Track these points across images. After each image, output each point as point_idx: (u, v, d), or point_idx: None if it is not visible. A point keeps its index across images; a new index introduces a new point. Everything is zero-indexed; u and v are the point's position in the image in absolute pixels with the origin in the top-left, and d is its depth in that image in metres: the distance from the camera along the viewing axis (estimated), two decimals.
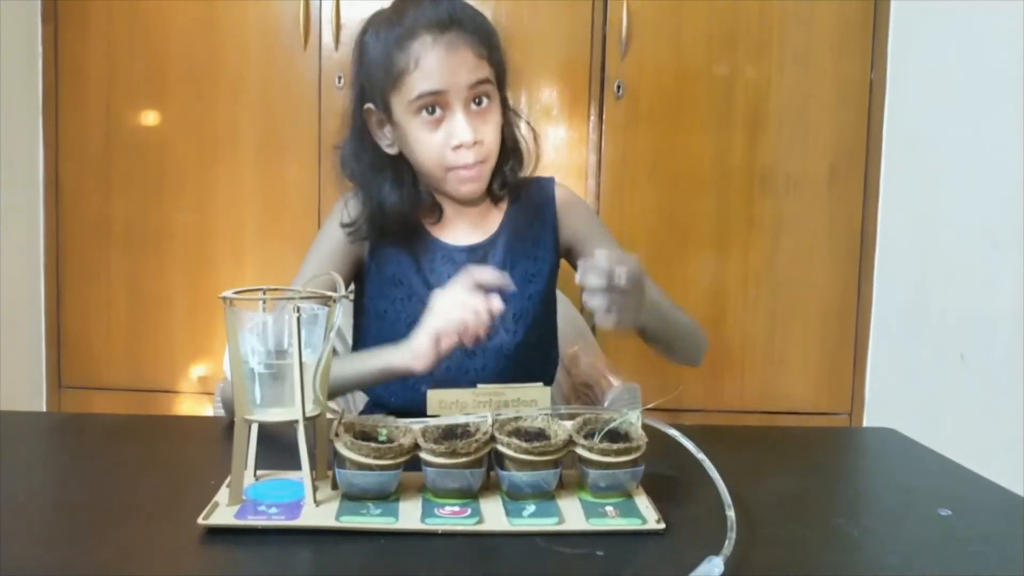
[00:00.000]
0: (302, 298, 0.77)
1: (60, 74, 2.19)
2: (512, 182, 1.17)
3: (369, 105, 1.12)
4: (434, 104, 1.05)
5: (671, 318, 1.17)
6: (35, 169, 2.19)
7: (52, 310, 2.23)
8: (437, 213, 1.16)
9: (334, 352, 1.15)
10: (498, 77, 1.11)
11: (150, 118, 2.20)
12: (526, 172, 1.21)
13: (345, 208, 1.16)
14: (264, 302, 0.79)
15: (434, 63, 1.04)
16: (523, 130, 1.19)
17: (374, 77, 1.09)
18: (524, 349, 1.16)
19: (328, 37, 2.16)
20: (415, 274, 1.14)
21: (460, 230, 1.17)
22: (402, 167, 1.13)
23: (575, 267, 1.22)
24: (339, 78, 2.16)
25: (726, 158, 2.20)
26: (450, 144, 1.06)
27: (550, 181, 1.23)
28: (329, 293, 0.79)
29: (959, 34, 1.93)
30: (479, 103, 1.08)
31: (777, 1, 2.17)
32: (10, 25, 2.09)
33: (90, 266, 2.22)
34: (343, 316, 1.19)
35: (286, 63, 2.17)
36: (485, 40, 1.08)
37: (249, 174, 2.19)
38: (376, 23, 1.10)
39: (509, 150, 1.16)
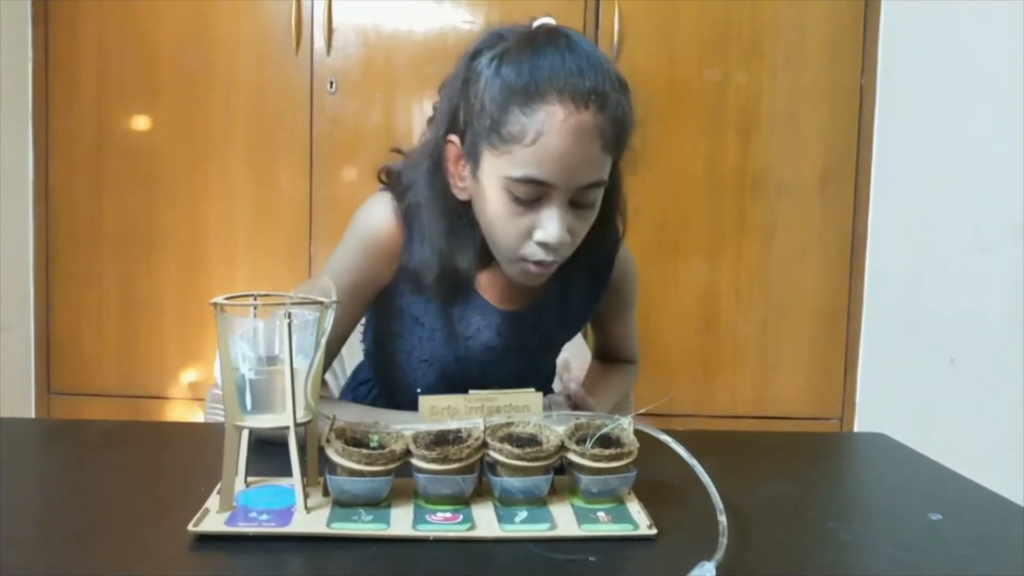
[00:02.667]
0: (293, 303, 0.77)
1: (50, 77, 2.18)
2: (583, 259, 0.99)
3: (454, 138, 0.93)
4: (534, 195, 0.87)
5: (614, 400, 1.18)
6: (25, 173, 2.18)
7: (41, 315, 2.22)
8: (487, 260, 0.99)
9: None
10: (613, 167, 0.95)
11: (141, 122, 2.19)
12: (607, 266, 1.08)
13: (400, 226, 0.98)
14: (255, 308, 0.79)
15: (555, 148, 0.84)
16: (619, 220, 1.04)
17: (475, 119, 0.89)
18: (531, 377, 1.09)
19: (320, 41, 2.15)
20: (439, 317, 1.01)
21: (501, 287, 1.02)
22: (473, 219, 0.95)
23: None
24: (331, 83, 2.16)
25: (718, 162, 2.20)
26: (534, 236, 0.89)
27: (614, 244, 1.08)
28: (320, 299, 0.79)
29: (949, 39, 1.94)
30: (582, 205, 0.90)
31: (768, 6, 2.18)
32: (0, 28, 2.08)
33: (80, 271, 2.21)
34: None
35: (278, 67, 2.16)
36: (618, 132, 0.91)
37: (241, 178, 2.19)
38: (498, 53, 0.89)
39: (598, 230, 0.98)
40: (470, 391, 0.83)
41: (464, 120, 0.91)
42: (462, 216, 0.95)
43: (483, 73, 0.89)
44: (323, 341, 0.78)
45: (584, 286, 1.07)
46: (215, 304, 0.75)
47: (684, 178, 2.20)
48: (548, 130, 0.84)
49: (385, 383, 1.14)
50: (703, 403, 2.24)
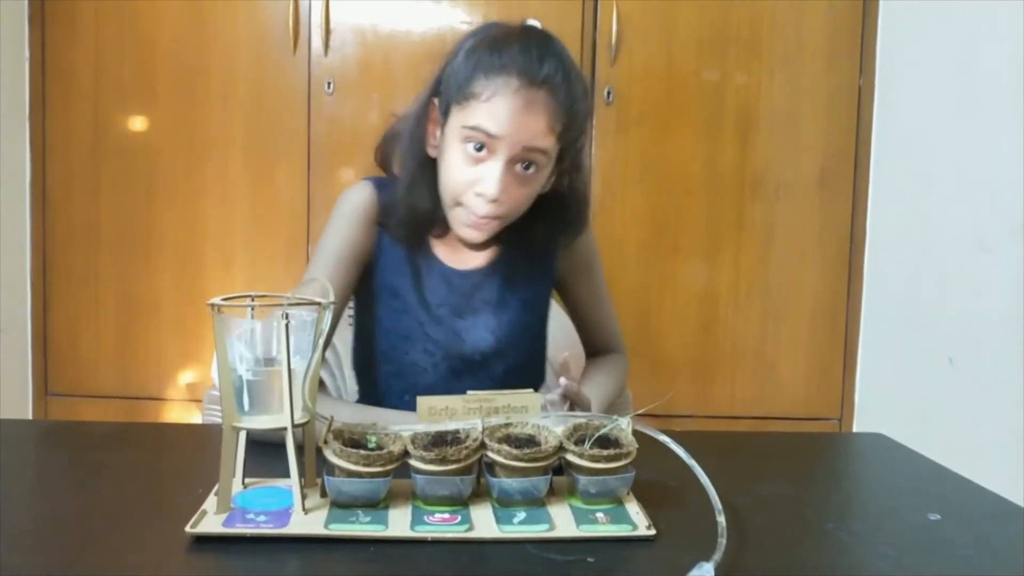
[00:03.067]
0: (291, 304, 0.77)
1: (47, 77, 2.18)
2: (536, 239, 1.14)
3: (435, 100, 1.08)
4: (482, 144, 1.01)
5: (610, 400, 1.20)
6: (22, 173, 2.18)
7: (38, 316, 2.21)
8: (444, 228, 1.12)
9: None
10: (564, 149, 1.06)
11: (138, 122, 2.19)
12: (565, 241, 1.17)
13: (364, 193, 1.13)
14: (252, 309, 0.78)
15: (504, 108, 0.99)
16: (574, 203, 1.14)
17: (451, 83, 1.04)
18: (513, 373, 1.16)
19: (317, 41, 2.15)
20: (412, 289, 1.12)
21: (463, 252, 1.15)
22: (435, 174, 1.09)
23: (561, 298, 1.25)
24: (328, 83, 2.15)
25: (716, 163, 2.20)
26: (475, 187, 1.02)
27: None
28: (318, 300, 0.79)
29: (947, 39, 1.94)
30: (526, 168, 1.02)
31: (767, 7, 2.18)
32: None
33: (77, 272, 2.21)
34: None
35: (275, 67, 2.16)
36: (567, 116, 1.02)
37: (238, 178, 2.18)
38: (484, 38, 1.05)
39: (556, 209, 1.11)
40: (468, 392, 0.83)
41: (443, 84, 1.06)
42: (428, 170, 1.09)
43: (465, 48, 1.05)
44: (321, 342, 0.78)
45: (535, 250, 1.17)
46: (212, 305, 0.75)
47: (682, 178, 2.20)
48: (502, 92, 0.99)
49: (375, 382, 1.17)
50: (702, 403, 2.24)
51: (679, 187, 2.20)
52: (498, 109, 0.99)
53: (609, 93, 2.16)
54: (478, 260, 1.15)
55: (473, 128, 1.00)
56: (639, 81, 2.18)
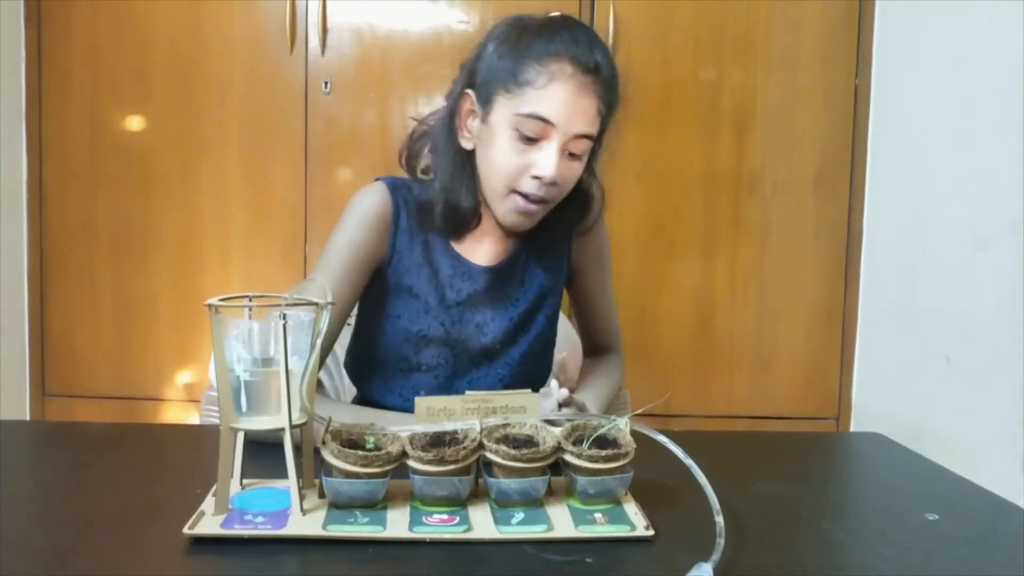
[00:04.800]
0: (288, 305, 0.77)
1: (44, 77, 2.17)
2: (559, 226, 1.15)
3: (469, 91, 1.08)
4: (536, 132, 1.02)
5: (607, 402, 1.21)
6: (18, 173, 2.18)
7: (36, 317, 2.21)
8: (475, 222, 1.13)
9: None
10: (599, 135, 1.09)
11: (135, 122, 2.19)
12: (581, 230, 1.19)
13: (389, 195, 1.11)
14: (250, 309, 0.78)
15: (561, 95, 1.00)
16: (594, 189, 1.16)
17: (494, 69, 1.04)
18: (528, 358, 1.17)
19: (314, 41, 2.15)
20: (432, 289, 1.12)
21: (483, 248, 1.14)
22: (474, 167, 1.10)
23: (569, 291, 1.26)
24: (325, 83, 2.15)
25: (713, 162, 2.20)
26: (530, 171, 1.03)
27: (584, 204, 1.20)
28: (316, 300, 0.79)
29: (943, 39, 1.94)
30: (573, 155, 1.05)
31: (763, 6, 2.18)
32: None
33: (74, 271, 2.20)
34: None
35: (272, 67, 2.16)
36: (610, 101, 1.06)
37: (235, 178, 2.18)
38: (522, 28, 1.06)
39: (574, 197, 1.12)
40: (467, 392, 0.83)
41: (480, 75, 1.06)
42: (467, 163, 1.10)
43: (505, 38, 1.05)
44: (318, 343, 0.78)
45: (554, 241, 1.19)
46: (210, 305, 0.75)
47: (679, 177, 2.20)
48: (558, 79, 1.01)
49: (376, 382, 1.16)
50: (699, 403, 2.24)
51: (676, 186, 2.20)
52: (554, 96, 1.00)
53: None
54: (499, 254, 1.15)
55: (528, 116, 1.01)
56: (636, 80, 2.17)
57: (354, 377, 1.22)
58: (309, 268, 2.19)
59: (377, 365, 1.15)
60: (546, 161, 1.02)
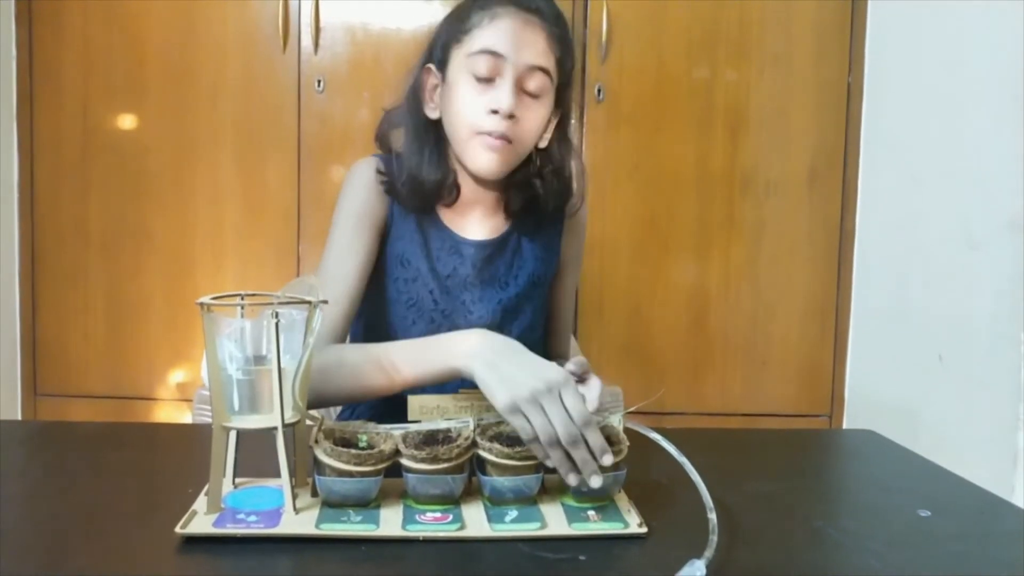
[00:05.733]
0: (281, 303, 0.76)
1: (35, 76, 2.16)
2: (544, 207, 1.15)
3: (430, 65, 1.11)
4: (488, 68, 1.04)
5: None
6: (9, 173, 2.17)
7: (27, 316, 2.20)
8: (455, 194, 1.14)
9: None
10: (560, 87, 1.10)
11: (127, 121, 2.18)
12: (570, 210, 1.20)
13: (378, 165, 1.15)
14: (242, 308, 0.78)
15: (506, 27, 1.04)
16: (573, 163, 1.17)
17: (445, 30, 1.10)
18: (512, 319, 1.16)
19: (307, 40, 2.14)
20: (423, 258, 1.13)
21: (472, 222, 1.16)
22: (441, 136, 1.12)
23: None
24: (319, 81, 2.15)
25: (707, 160, 2.21)
26: (488, 107, 1.05)
27: (567, 190, 1.21)
28: (308, 298, 0.78)
29: (936, 37, 1.95)
30: (531, 94, 1.06)
31: (756, 5, 2.18)
32: None
33: (66, 271, 2.19)
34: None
35: (265, 66, 2.15)
36: (560, 39, 1.08)
37: (228, 177, 2.18)
38: None
39: (552, 172, 1.14)
40: (460, 390, 0.83)
41: (436, 43, 1.11)
42: (431, 133, 1.12)
43: (450, 13, 1.11)
44: (311, 341, 0.78)
45: (544, 227, 1.19)
46: (202, 304, 0.75)
47: (672, 176, 2.21)
48: (501, 16, 1.05)
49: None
50: (693, 401, 2.24)
51: (669, 185, 2.21)
52: (500, 28, 1.04)
53: (599, 91, 2.16)
54: (488, 230, 1.16)
55: (479, 52, 1.04)
56: (629, 79, 2.18)
57: None
58: (303, 267, 2.18)
59: (378, 339, 1.15)
60: (502, 93, 1.04)
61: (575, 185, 1.19)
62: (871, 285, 2.17)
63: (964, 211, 1.80)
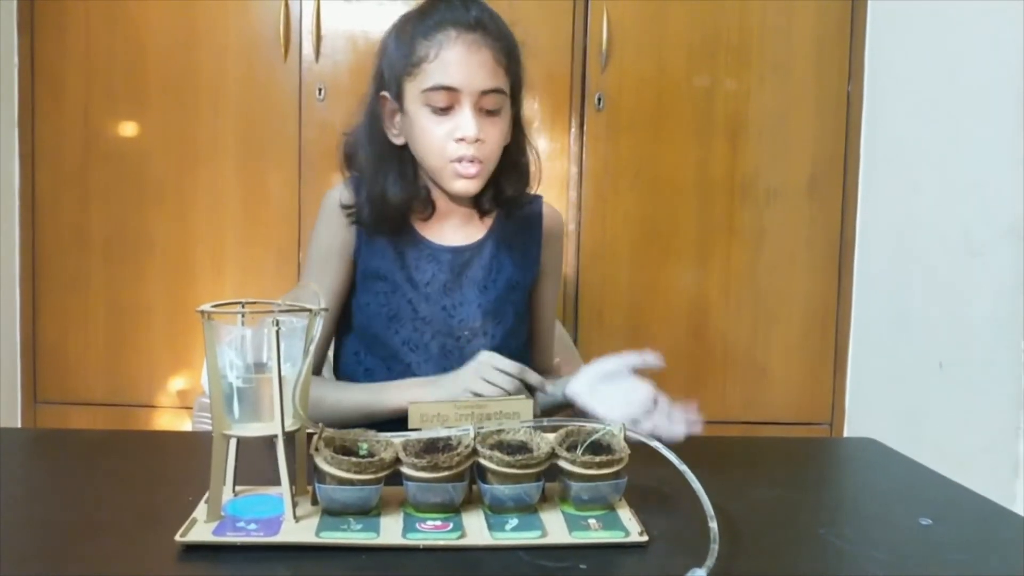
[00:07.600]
0: (282, 311, 0.76)
1: (36, 83, 2.17)
2: (508, 198, 1.18)
3: (384, 93, 1.14)
4: (445, 101, 1.07)
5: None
6: (11, 180, 2.17)
7: (28, 323, 2.20)
8: (430, 209, 1.17)
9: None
10: (513, 91, 1.13)
11: (129, 128, 2.18)
12: (528, 191, 1.22)
13: (343, 192, 1.17)
14: (243, 316, 0.78)
15: (454, 57, 1.06)
16: (528, 153, 1.20)
17: (395, 63, 1.11)
18: (500, 352, 1.16)
19: (308, 48, 2.15)
20: (399, 269, 1.15)
21: (448, 230, 1.19)
22: (406, 159, 1.15)
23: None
24: (319, 89, 2.15)
25: (707, 168, 2.21)
26: (454, 135, 1.08)
27: (538, 199, 1.25)
28: (309, 306, 0.78)
29: (935, 45, 1.95)
30: (490, 112, 1.09)
31: (756, 13, 2.19)
32: None
33: (67, 278, 2.19)
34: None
35: (266, 73, 2.16)
36: (507, 50, 1.10)
37: (229, 184, 2.18)
38: (406, 18, 1.13)
39: (511, 165, 1.17)
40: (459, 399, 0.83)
41: (386, 72, 1.13)
42: (397, 158, 1.14)
43: (396, 33, 1.13)
44: (311, 349, 0.78)
45: (521, 234, 1.22)
46: (203, 312, 0.75)
47: (673, 184, 2.21)
48: (446, 45, 1.07)
49: (363, 376, 1.18)
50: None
51: (670, 192, 2.21)
52: (447, 62, 1.06)
53: (600, 99, 2.17)
54: (464, 237, 1.19)
55: (432, 89, 1.07)
56: (629, 87, 2.18)
57: (344, 378, 1.22)
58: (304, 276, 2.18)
59: (363, 356, 1.18)
60: (464, 122, 1.07)
61: (532, 169, 1.22)
62: (871, 292, 2.17)
63: (964, 218, 1.80)
